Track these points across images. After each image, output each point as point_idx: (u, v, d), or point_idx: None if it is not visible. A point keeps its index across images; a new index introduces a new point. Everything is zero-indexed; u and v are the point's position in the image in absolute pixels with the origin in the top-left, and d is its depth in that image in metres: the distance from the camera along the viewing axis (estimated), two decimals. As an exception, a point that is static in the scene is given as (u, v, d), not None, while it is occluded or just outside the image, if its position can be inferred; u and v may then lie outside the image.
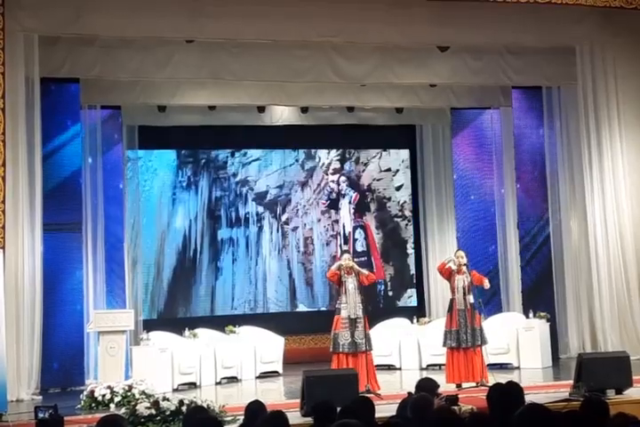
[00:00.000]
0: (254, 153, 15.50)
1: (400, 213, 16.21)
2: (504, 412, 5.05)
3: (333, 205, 15.90)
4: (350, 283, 10.53)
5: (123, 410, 8.65)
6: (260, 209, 15.51)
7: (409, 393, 6.35)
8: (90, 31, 11.50)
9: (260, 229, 15.49)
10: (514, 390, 5.47)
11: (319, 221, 15.80)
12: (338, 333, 10.45)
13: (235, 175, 15.43)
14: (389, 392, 10.02)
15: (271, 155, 15.61)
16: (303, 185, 15.79)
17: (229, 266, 15.21)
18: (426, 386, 6.54)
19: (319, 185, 15.87)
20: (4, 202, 10.96)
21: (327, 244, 15.74)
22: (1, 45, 11.06)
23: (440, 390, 7.04)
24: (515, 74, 13.52)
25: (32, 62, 11.45)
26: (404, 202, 16.19)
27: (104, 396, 10.08)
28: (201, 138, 15.02)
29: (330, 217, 15.86)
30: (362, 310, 10.45)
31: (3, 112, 11.01)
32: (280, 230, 15.60)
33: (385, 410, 6.71)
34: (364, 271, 10.80)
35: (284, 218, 15.61)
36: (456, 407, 7.35)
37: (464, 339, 10.65)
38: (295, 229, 15.68)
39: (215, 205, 15.30)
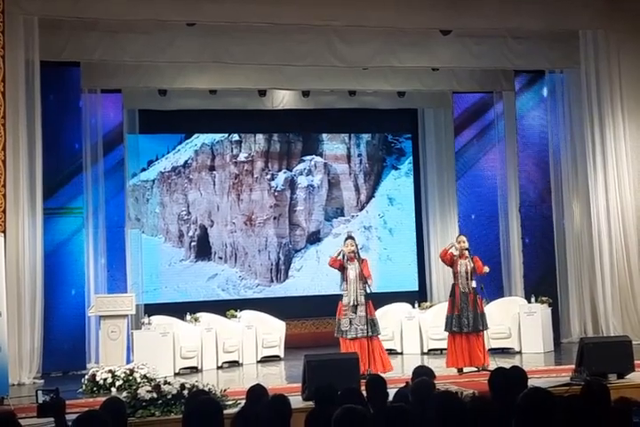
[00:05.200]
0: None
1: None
2: (506, 396, 5.05)
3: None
4: (352, 270, 10.50)
5: (124, 394, 8.64)
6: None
7: (407, 383, 6.33)
8: (90, 15, 11.44)
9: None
10: (517, 374, 5.46)
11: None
12: (340, 319, 10.49)
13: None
14: (391, 377, 9.99)
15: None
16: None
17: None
18: (422, 374, 6.51)
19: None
20: (4, 186, 10.90)
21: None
22: (1, 28, 10.97)
23: (441, 374, 7.02)
24: (517, 58, 13.43)
25: (32, 46, 11.41)
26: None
27: (105, 380, 10.10)
28: (202, 122, 15.00)
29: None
30: (363, 296, 10.44)
31: (3, 96, 10.92)
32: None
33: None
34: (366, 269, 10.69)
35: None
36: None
37: (465, 324, 10.65)
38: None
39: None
